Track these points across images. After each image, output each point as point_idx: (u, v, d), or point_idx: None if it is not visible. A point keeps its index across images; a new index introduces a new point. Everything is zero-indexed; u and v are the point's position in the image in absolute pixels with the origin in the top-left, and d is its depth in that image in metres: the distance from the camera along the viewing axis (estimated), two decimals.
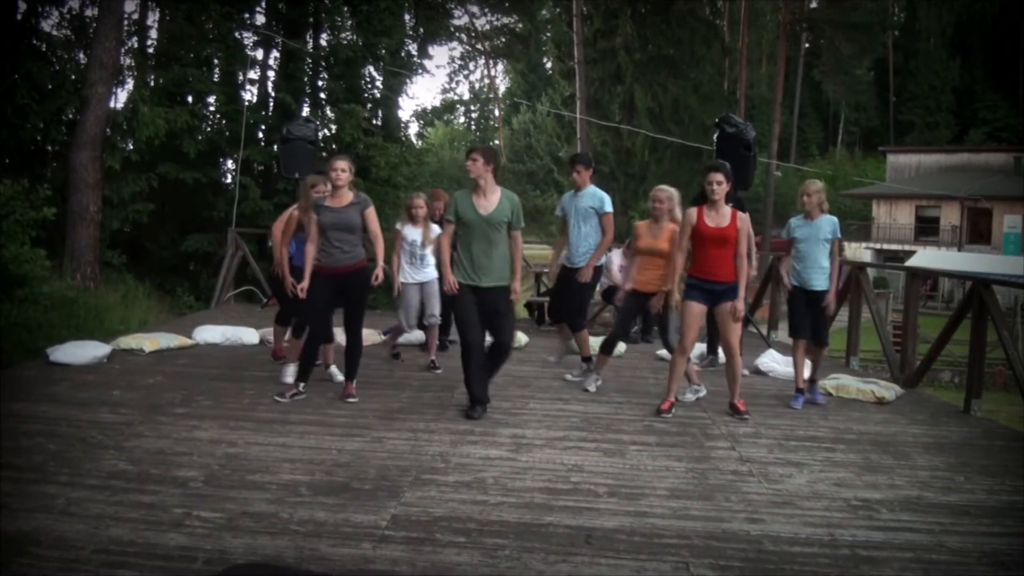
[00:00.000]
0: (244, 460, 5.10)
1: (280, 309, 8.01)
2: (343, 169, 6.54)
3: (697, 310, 6.63)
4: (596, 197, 7.94)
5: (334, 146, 17.71)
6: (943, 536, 4.33)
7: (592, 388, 7.53)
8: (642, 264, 7.29)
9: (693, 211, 6.63)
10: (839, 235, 7.30)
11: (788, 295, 7.45)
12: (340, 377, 7.19)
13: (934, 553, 4.11)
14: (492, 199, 6.40)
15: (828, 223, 7.24)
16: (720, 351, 8.46)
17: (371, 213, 6.66)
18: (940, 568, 3.95)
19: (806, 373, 7.44)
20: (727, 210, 6.57)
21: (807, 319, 7.30)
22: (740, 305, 6.59)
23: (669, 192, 7.30)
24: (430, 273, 8.03)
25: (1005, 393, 17.35)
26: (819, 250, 7.21)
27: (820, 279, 7.22)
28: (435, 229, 7.94)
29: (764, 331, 11.61)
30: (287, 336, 7.65)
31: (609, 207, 7.91)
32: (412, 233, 8.02)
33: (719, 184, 6.49)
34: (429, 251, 7.99)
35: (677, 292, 6.68)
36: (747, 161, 9.40)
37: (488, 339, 6.53)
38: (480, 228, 6.36)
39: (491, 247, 6.38)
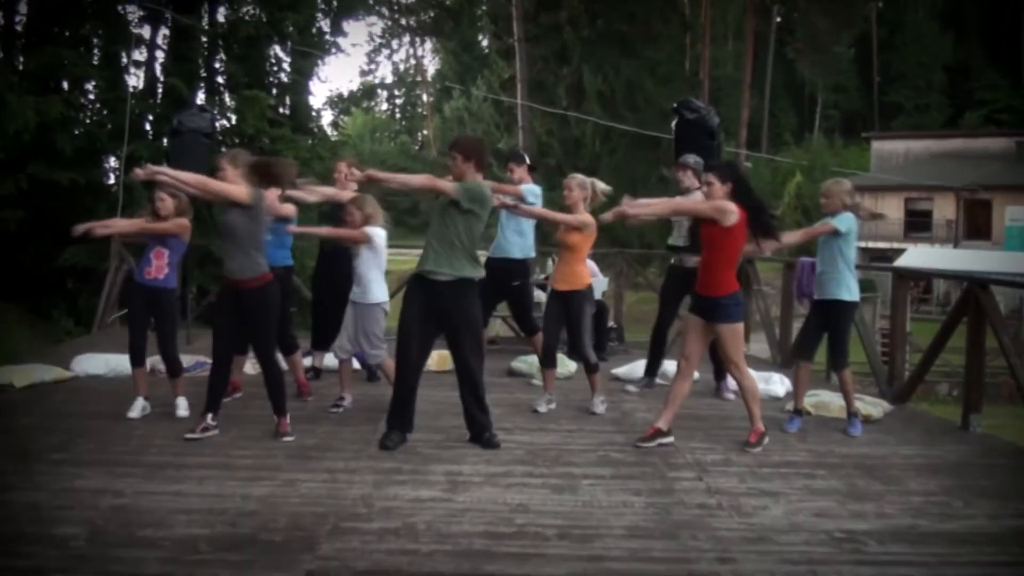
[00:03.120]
0: (133, 512, 5.02)
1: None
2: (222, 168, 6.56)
3: (695, 324, 6.74)
4: (534, 193, 8.97)
5: (236, 139, 17.59)
6: (941, 569, 4.41)
7: (543, 409, 7.72)
8: (560, 259, 7.80)
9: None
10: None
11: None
12: (183, 411, 7.26)
13: None
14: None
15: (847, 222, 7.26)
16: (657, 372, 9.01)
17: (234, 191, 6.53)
18: None
19: (801, 397, 7.58)
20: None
21: (818, 337, 7.46)
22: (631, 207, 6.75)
23: (582, 179, 7.73)
24: (375, 294, 7.52)
25: (1011, 406, 17.67)
26: (840, 254, 7.26)
27: (841, 289, 7.25)
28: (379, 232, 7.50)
29: None
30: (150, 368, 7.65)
31: (539, 200, 8.97)
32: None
33: (709, 185, 6.52)
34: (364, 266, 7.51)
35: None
36: (711, 151, 9.49)
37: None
38: (437, 215, 6.48)
39: (445, 231, 6.41)
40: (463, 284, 6.47)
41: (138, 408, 7.32)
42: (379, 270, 7.54)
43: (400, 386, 6.59)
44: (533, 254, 9.50)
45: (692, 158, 8.55)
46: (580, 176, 7.79)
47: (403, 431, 6.55)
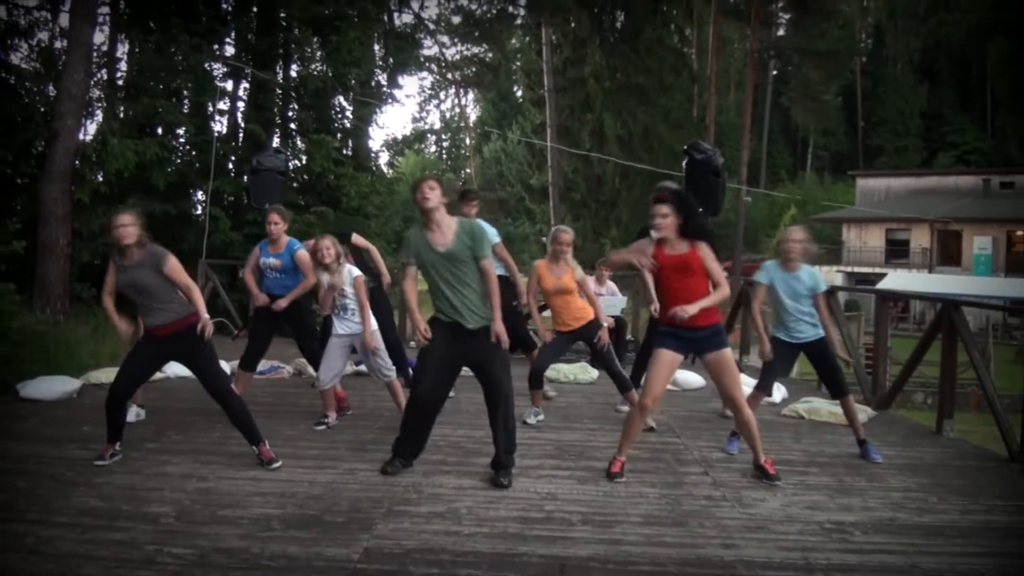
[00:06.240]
0: (215, 495, 5.06)
1: (247, 349, 7.58)
2: (123, 224, 5.71)
3: (668, 359, 5.55)
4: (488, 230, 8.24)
5: (305, 176, 17.70)
6: (917, 557, 4.35)
7: (532, 421, 7.28)
8: (556, 307, 7.28)
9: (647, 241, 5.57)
10: (823, 288, 6.48)
11: (772, 342, 6.53)
12: (132, 417, 6.74)
13: (908, 575, 4.14)
14: (448, 233, 5.47)
15: (809, 276, 6.43)
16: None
17: (172, 265, 5.77)
18: None
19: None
20: (683, 244, 5.48)
21: (784, 371, 6.92)
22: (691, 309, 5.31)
23: (572, 233, 7.31)
24: (355, 325, 6.85)
25: (979, 413, 17.47)
26: (803, 303, 6.42)
27: (808, 329, 6.45)
28: (350, 272, 6.86)
29: (736, 356, 11.62)
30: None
31: (498, 237, 7.83)
32: (326, 281, 6.84)
33: (663, 217, 5.46)
34: (350, 301, 6.83)
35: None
36: (716, 187, 9.51)
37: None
38: (443, 267, 5.46)
39: (461, 287, 5.44)
40: (489, 328, 5.51)
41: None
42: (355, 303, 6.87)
43: (413, 421, 5.73)
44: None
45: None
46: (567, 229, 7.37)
47: (407, 458, 5.77)
